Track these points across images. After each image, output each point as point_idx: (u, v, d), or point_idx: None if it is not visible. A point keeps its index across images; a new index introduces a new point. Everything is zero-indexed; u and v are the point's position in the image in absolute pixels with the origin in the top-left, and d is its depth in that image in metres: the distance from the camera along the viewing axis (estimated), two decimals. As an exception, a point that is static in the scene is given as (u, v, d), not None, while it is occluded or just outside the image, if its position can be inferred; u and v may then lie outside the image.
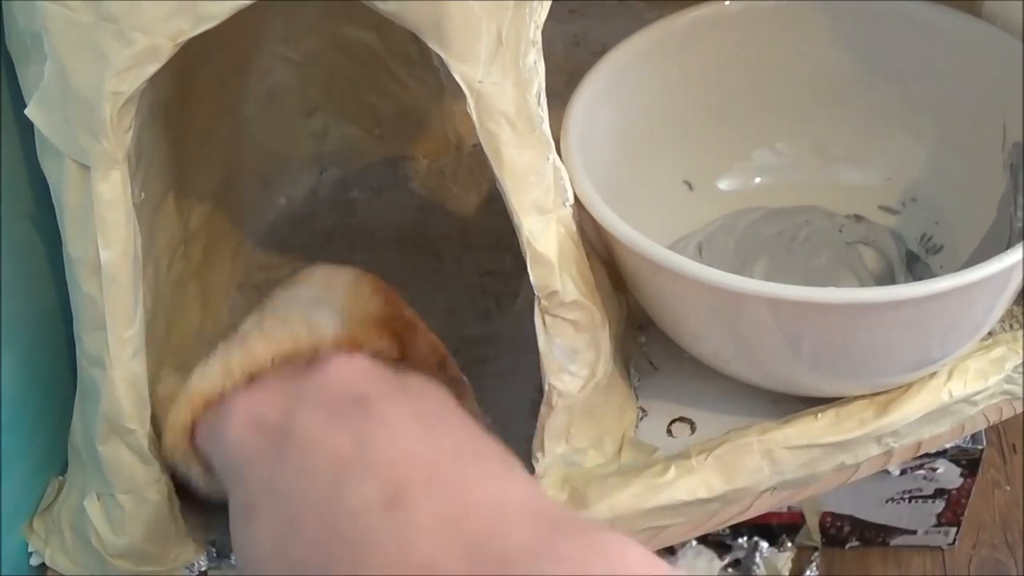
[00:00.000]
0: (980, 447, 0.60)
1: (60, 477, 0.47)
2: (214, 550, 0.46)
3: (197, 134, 0.50)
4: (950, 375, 0.46)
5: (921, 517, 0.66)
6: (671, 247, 0.51)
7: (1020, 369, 0.46)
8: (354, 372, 0.37)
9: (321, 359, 0.38)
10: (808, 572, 0.66)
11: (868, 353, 0.42)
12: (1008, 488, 0.71)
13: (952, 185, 0.53)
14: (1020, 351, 0.47)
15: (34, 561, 0.47)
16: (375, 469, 0.33)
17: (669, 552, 0.63)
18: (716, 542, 0.66)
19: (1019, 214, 0.49)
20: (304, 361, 0.38)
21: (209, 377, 0.39)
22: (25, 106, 0.38)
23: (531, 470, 0.44)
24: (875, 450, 0.46)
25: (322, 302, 0.41)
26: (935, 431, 0.47)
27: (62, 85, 0.36)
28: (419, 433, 0.34)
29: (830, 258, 0.53)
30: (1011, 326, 0.48)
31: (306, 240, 0.59)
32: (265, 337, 0.39)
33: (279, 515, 0.34)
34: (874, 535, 0.67)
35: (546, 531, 0.31)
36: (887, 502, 0.64)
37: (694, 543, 0.64)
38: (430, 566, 0.30)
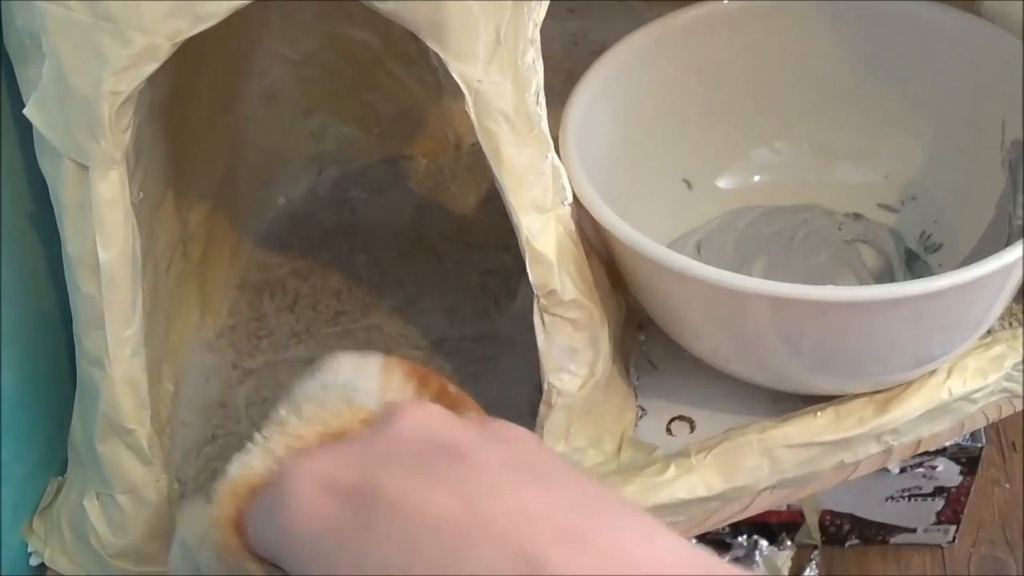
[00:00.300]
0: (979, 445, 0.60)
1: (59, 477, 0.47)
2: (214, 550, 0.46)
3: (195, 134, 0.50)
4: (949, 373, 0.46)
5: (921, 515, 0.66)
6: (670, 246, 0.51)
7: (1019, 367, 0.46)
8: (433, 419, 0.32)
9: (389, 413, 0.33)
10: (808, 570, 0.66)
11: (867, 351, 0.42)
12: (1007, 486, 0.71)
13: (951, 183, 0.53)
14: (1019, 349, 0.47)
15: (33, 561, 0.47)
16: (494, 531, 0.28)
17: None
18: (716, 540, 0.66)
19: (1018, 212, 0.49)
20: (366, 429, 0.34)
21: (250, 465, 0.35)
22: (24, 106, 0.38)
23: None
24: (874, 448, 0.46)
25: (356, 388, 0.37)
26: (934, 429, 0.47)
27: (60, 85, 0.36)
28: (530, 484, 0.29)
29: (829, 256, 0.53)
30: (1010, 324, 0.48)
31: (305, 239, 0.59)
32: (308, 420, 0.36)
33: None
34: (874, 533, 0.67)
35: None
36: (887, 500, 0.64)
37: (693, 542, 0.64)
38: None
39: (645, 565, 0.27)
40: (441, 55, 0.37)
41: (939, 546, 0.67)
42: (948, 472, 0.62)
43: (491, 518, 0.28)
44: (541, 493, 0.29)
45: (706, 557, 0.29)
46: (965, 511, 0.65)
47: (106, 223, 0.38)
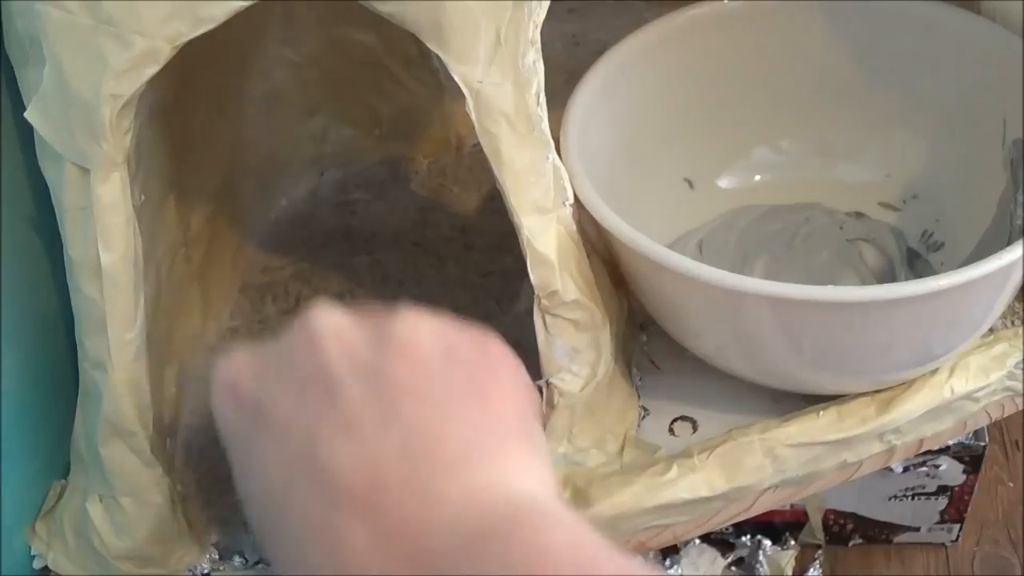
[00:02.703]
0: (983, 444, 0.60)
1: (63, 480, 0.47)
2: (216, 552, 0.46)
3: (197, 136, 0.50)
4: (951, 372, 0.46)
5: (924, 514, 0.65)
6: (671, 245, 0.51)
7: (1021, 365, 0.46)
8: (325, 335, 0.34)
9: (302, 314, 0.35)
10: (812, 570, 0.66)
11: (869, 351, 0.42)
12: (1011, 485, 0.70)
13: (952, 182, 0.52)
14: (1021, 347, 0.47)
15: (37, 564, 0.47)
16: (322, 474, 0.31)
17: (673, 551, 0.63)
18: (719, 540, 0.66)
19: (1019, 211, 0.49)
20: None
21: None
22: (25, 109, 0.38)
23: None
24: (877, 447, 0.46)
25: None
26: (937, 428, 0.47)
27: (61, 88, 0.36)
28: (372, 429, 0.32)
29: (831, 255, 0.53)
30: (1012, 322, 0.48)
31: (306, 241, 0.59)
32: None
33: (251, 498, 0.33)
34: (877, 532, 0.67)
35: (473, 543, 0.29)
36: (890, 499, 0.64)
37: (697, 541, 0.64)
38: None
39: (414, 524, 0.30)
40: (442, 56, 0.37)
41: (943, 545, 0.67)
42: (951, 471, 0.62)
43: (321, 461, 0.31)
44: (376, 440, 0.32)
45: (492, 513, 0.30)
46: (969, 510, 0.65)
47: (108, 226, 0.38)
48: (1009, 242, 0.41)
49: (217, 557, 0.46)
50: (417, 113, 0.61)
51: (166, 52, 0.36)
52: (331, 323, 0.34)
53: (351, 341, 0.34)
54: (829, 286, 0.41)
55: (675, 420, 0.48)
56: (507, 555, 0.28)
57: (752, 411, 0.47)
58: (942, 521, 0.66)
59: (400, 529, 0.30)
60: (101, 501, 0.43)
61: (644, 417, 0.48)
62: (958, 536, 0.67)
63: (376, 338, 0.34)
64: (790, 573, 0.66)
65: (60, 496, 0.47)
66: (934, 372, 0.46)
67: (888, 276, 0.52)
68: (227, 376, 0.35)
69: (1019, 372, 0.47)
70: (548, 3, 0.39)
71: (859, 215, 0.54)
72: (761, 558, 0.66)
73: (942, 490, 0.64)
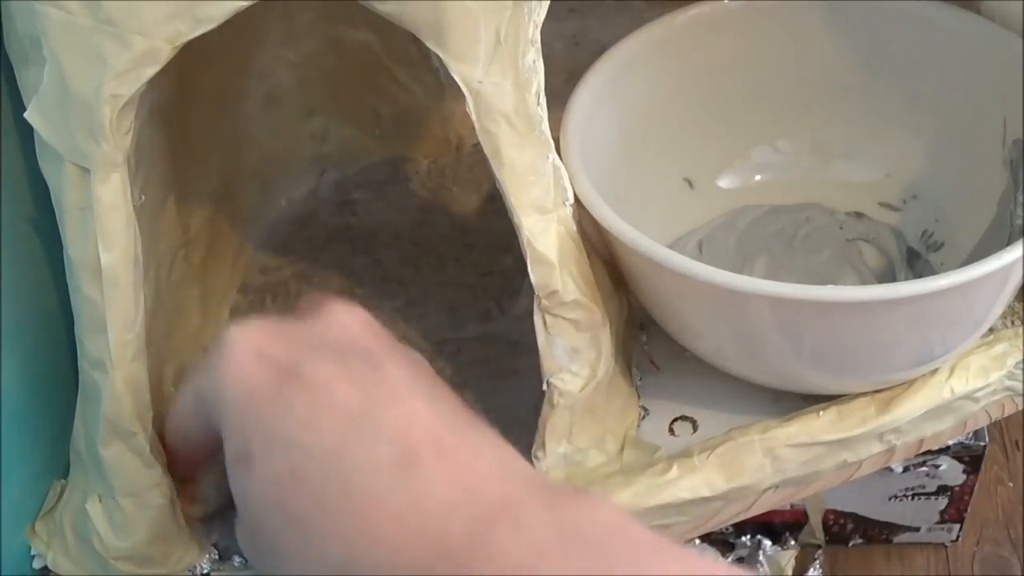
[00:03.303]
0: (983, 444, 0.60)
1: (62, 480, 0.47)
2: (216, 552, 0.46)
3: (197, 136, 0.50)
4: (951, 372, 0.46)
5: (924, 514, 0.65)
6: (671, 245, 0.51)
7: (1021, 365, 0.46)
8: (356, 323, 0.37)
9: (316, 306, 0.37)
10: (812, 570, 0.66)
11: (869, 350, 0.42)
12: (1011, 485, 0.71)
13: (952, 182, 0.53)
14: (1021, 347, 0.47)
15: (36, 564, 0.47)
16: (386, 431, 0.32)
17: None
18: (719, 541, 0.66)
19: (1019, 211, 0.49)
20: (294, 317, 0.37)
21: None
22: (25, 109, 0.38)
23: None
24: (877, 447, 0.46)
25: None
26: (937, 428, 0.47)
27: (61, 88, 0.36)
28: (423, 400, 0.34)
29: (831, 255, 0.53)
30: (1012, 322, 0.48)
31: (306, 242, 0.59)
32: None
33: (281, 465, 0.33)
34: (877, 532, 0.67)
35: (549, 496, 0.31)
36: (890, 499, 0.64)
37: (697, 542, 0.64)
38: (441, 530, 0.30)
39: (492, 476, 0.32)
40: (441, 56, 0.37)
41: (943, 545, 0.67)
42: (951, 471, 0.62)
43: (386, 420, 0.33)
44: (430, 409, 0.33)
45: (545, 476, 0.34)
46: (969, 510, 0.65)
47: (108, 226, 0.38)
48: (1009, 242, 0.41)
49: (217, 557, 0.46)
50: (417, 113, 0.61)
51: (166, 52, 0.36)
52: (356, 312, 0.37)
53: (375, 329, 0.37)
54: (829, 286, 0.41)
55: (675, 420, 0.48)
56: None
57: (752, 411, 0.47)
58: (942, 521, 0.66)
59: (478, 482, 0.32)
60: (101, 501, 0.43)
61: (644, 417, 0.48)
62: (958, 536, 0.67)
63: (389, 338, 0.37)
64: (790, 573, 0.66)
65: (60, 496, 0.47)
66: (934, 372, 0.46)
67: (888, 276, 0.52)
68: (250, 339, 0.35)
69: (1019, 372, 0.47)
70: (548, 3, 0.39)
71: (859, 215, 0.54)
72: (761, 558, 0.66)
73: (942, 490, 0.64)
